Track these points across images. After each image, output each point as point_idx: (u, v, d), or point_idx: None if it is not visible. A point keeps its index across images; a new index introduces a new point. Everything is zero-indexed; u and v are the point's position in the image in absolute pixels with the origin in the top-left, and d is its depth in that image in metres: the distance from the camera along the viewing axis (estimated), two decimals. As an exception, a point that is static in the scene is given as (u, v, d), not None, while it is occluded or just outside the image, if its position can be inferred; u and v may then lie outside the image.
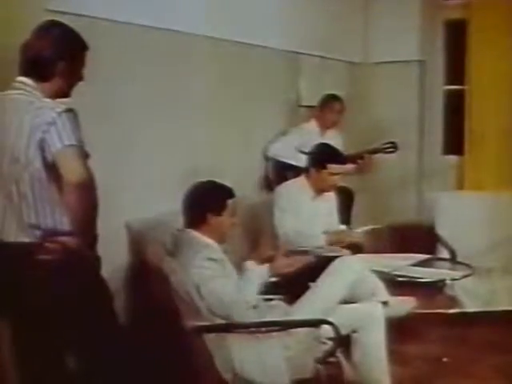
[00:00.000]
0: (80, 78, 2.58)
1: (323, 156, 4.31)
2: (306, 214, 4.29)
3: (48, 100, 2.42)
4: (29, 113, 2.37)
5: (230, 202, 3.23)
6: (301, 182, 4.39)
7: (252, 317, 3.04)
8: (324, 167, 4.25)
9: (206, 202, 3.21)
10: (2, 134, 2.41)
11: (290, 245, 3.99)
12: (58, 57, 2.47)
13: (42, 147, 2.34)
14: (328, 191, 4.44)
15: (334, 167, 4.27)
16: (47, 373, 2.55)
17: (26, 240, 2.40)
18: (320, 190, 4.39)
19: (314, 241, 4.19)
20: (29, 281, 2.40)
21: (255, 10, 4.71)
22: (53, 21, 2.54)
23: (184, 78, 4.02)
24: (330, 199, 4.53)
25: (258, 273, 3.16)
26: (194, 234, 3.18)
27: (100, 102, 3.27)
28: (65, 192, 2.36)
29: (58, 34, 2.50)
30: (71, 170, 2.34)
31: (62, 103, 2.42)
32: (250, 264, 3.20)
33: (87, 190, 2.37)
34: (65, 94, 2.53)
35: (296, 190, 4.33)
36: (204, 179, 3.30)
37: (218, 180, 3.30)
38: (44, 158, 2.35)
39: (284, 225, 4.19)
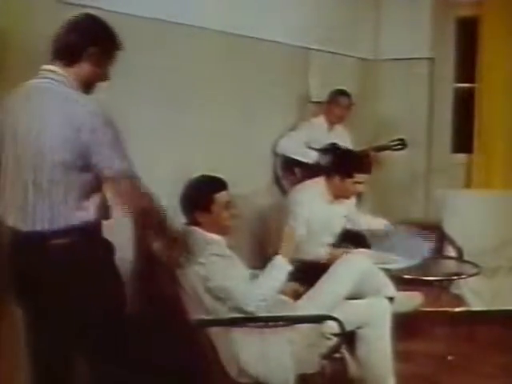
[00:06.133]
0: (105, 77, 2.57)
1: (350, 164, 4.16)
2: (319, 221, 4.18)
3: (79, 94, 2.42)
4: (59, 105, 2.35)
5: (219, 195, 3.14)
6: (320, 186, 4.23)
7: (263, 309, 3.03)
8: (350, 176, 4.10)
9: (191, 199, 3.14)
10: (26, 124, 2.38)
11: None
12: (88, 42, 2.46)
13: (79, 151, 2.33)
14: (347, 199, 4.32)
15: (360, 176, 4.13)
16: (60, 360, 2.55)
17: (40, 229, 2.39)
18: (339, 197, 4.26)
19: (319, 250, 4.14)
20: (43, 265, 2.40)
21: (266, 5, 4.70)
22: (92, 14, 2.55)
23: (193, 72, 4.02)
24: (347, 202, 4.41)
25: (282, 266, 3.15)
26: (197, 230, 3.14)
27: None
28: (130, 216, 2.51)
29: (94, 23, 2.51)
30: (129, 201, 2.45)
31: (90, 99, 2.41)
32: (277, 258, 3.18)
33: (149, 213, 2.51)
34: (89, 83, 2.51)
35: (313, 195, 4.19)
36: (198, 175, 3.24)
37: (212, 174, 3.22)
38: (76, 159, 2.35)
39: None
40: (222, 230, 3.19)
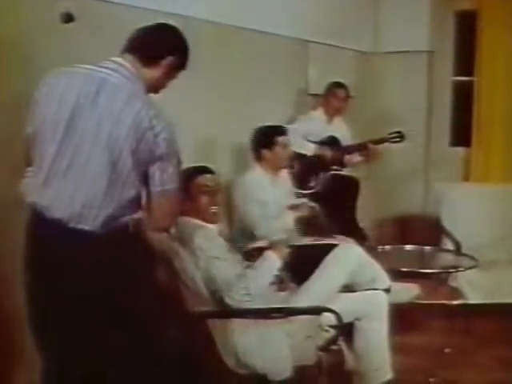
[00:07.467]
0: (164, 87, 2.60)
1: (269, 133, 4.22)
2: (271, 202, 4.20)
3: (149, 99, 2.40)
4: (129, 107, 2.30)
5: (196, 179, 3.19)
6: (258, 170, 4.24)
7: (246, 303, 3.02)
8: (275, 143, 4.17)
9: None
10: (94, 119, 2.31)
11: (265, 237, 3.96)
12: (171, 51, 2.51)
13: (143, 161, 2.33)
14: (284, 167, 4.37)
15: (283, 138, 4.21)
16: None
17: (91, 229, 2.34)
18: (277, 169, 4.30)
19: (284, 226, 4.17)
20: (83, 260, 2.34)
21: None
22: (177, 27, 2.60)
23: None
24: (286, 179, 4.48)
25: (272, 261, 3.18)
26: (187, 219, 3.17)
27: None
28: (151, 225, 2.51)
29: (179, 35, 2.58)
30: (162, 219, 2.48)
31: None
32: (269, 254, 3.21)
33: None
34: (152, 88, 2.51)
35: (259, 180, 4.19)
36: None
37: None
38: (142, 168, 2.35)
39: (259, 220, 4.09)
40: (207, 218, 3.21)
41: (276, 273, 3.20)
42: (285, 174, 4.44)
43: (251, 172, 4.21)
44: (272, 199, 4.18)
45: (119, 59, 2.42)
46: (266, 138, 4.20)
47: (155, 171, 2.35)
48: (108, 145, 2.28)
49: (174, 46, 2.54)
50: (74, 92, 2.32)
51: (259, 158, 4.23)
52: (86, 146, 2.30)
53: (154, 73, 2.49)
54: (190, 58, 2.60)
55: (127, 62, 2.41)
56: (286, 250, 3.27)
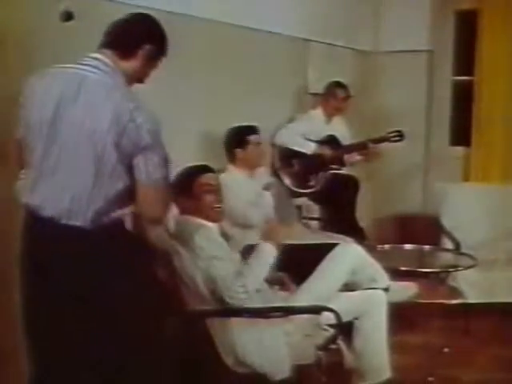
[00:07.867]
0: (146, 78, 2.58)
1: (241, 132, 4.24)
2: (253, 195, 4.23)
3: (129, 92, 2.39)
4: (109, 101, 2.31)
5: (199, 177, 3.20)
6: (233, 171, 4.24)
7: (247, 302, 3.01)
8: (247, 142, 4.20)
9: (175, 185, 3.10)
10: (77, 116, 2.31)
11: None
12: (146, 39, 2.49)
13: (127, 153, 2.33)
14: (260, 165, 4.41)
15: (255, 137, 4.24)
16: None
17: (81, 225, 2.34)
18: (253, 168, 4.32)
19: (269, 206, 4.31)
20: (80, 258, 2.35)
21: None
22: (151, 15, 2.58)
23: (191, 63, 4.01)
24: (263, 173, 4.50)
25: (268, 252, 3.18)
26: (188, 217, 3.17)
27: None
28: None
29: (153, 23, 2.55)
30: (151, 209, 2.42)
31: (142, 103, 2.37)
32: (263, 245, 3.21)
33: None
34: (133, 80, 2.50)
35: (235, 180, 4.16)
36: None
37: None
38: (125, 162, 2.34)
39: (254, 215, 4.13)
40: (209, 217, 3.20)
41: (272, 263, 3.17)
42: (262, 170, 4.47)
43: (226, 173, 4.18)
44: (252, 192, 4.22)
45: (97, 55, 2.42)
46: (239, 138, 4.22)
47: (139, 162, 2.34)
48: (91, 140, 2.30)
49: (149, 35, 2.51)
50: (57, 92, 2.34)
51: (233, 158, 4.25)
52: (70, 144, 2.32)
53: (132, 64, 2.48)
54: (167, 44, 2.57)
55: (105, 57, 2.42)
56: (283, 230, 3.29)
